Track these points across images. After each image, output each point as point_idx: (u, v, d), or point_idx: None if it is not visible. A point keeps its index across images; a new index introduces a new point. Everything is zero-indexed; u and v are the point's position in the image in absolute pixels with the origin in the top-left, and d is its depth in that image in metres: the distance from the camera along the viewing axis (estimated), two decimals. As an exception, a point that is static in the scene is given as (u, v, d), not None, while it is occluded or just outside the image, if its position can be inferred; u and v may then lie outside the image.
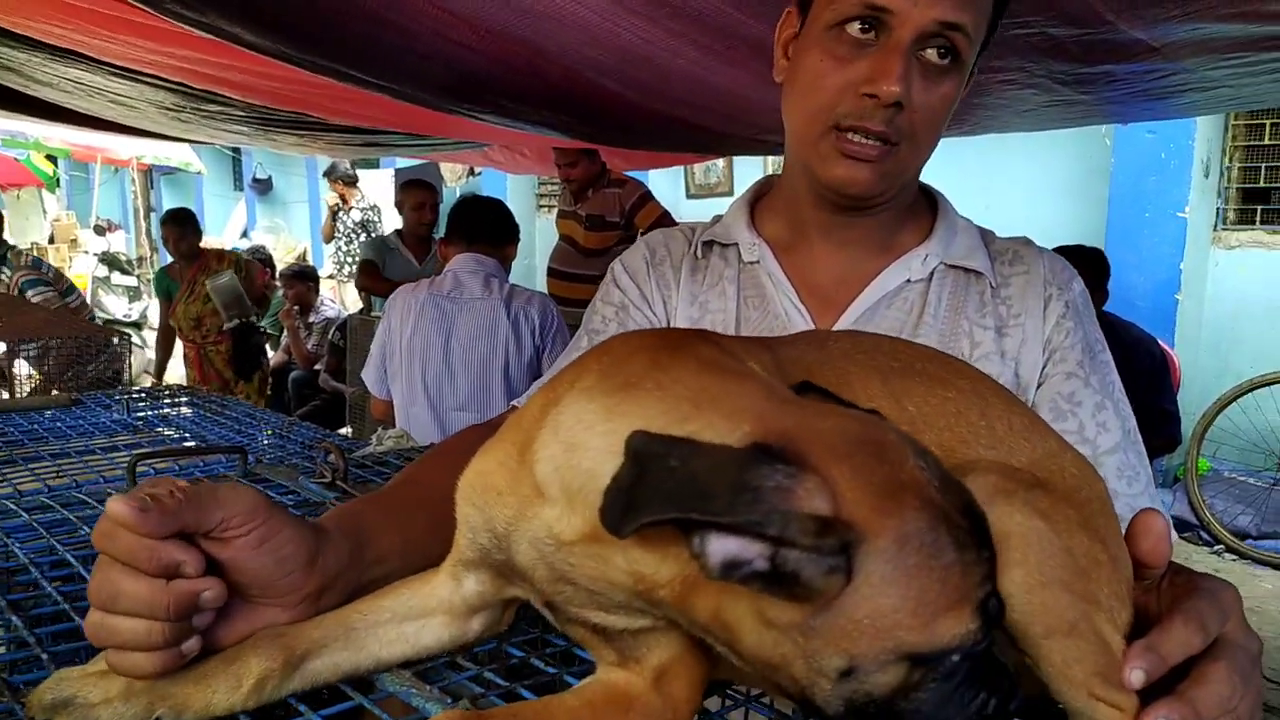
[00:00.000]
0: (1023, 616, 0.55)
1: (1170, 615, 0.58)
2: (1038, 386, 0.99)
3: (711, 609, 0.49)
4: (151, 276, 7.93)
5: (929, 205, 1.09)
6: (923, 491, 0.47)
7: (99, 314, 9.66)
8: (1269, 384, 4.56)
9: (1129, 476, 0.95)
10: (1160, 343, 3.61)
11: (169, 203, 15.95)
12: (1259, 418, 4.63)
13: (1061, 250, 3.49)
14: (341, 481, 1.10)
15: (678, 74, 2.32)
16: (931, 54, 0.88)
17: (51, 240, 13.96)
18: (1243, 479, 4.75)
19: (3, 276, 4.76)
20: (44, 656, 0.67)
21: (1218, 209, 5.16)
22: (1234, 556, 4.57)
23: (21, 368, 3.08)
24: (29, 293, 4.75)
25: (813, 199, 1.02)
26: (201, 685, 0.57)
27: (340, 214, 7.95)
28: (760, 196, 1.13)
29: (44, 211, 15.12)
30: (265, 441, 1.52)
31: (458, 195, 10.08)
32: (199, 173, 13.02)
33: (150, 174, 14.74)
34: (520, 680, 0.67)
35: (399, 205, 4.84)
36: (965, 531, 0.47)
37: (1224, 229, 5.16)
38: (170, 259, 5.41)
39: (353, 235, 7.79)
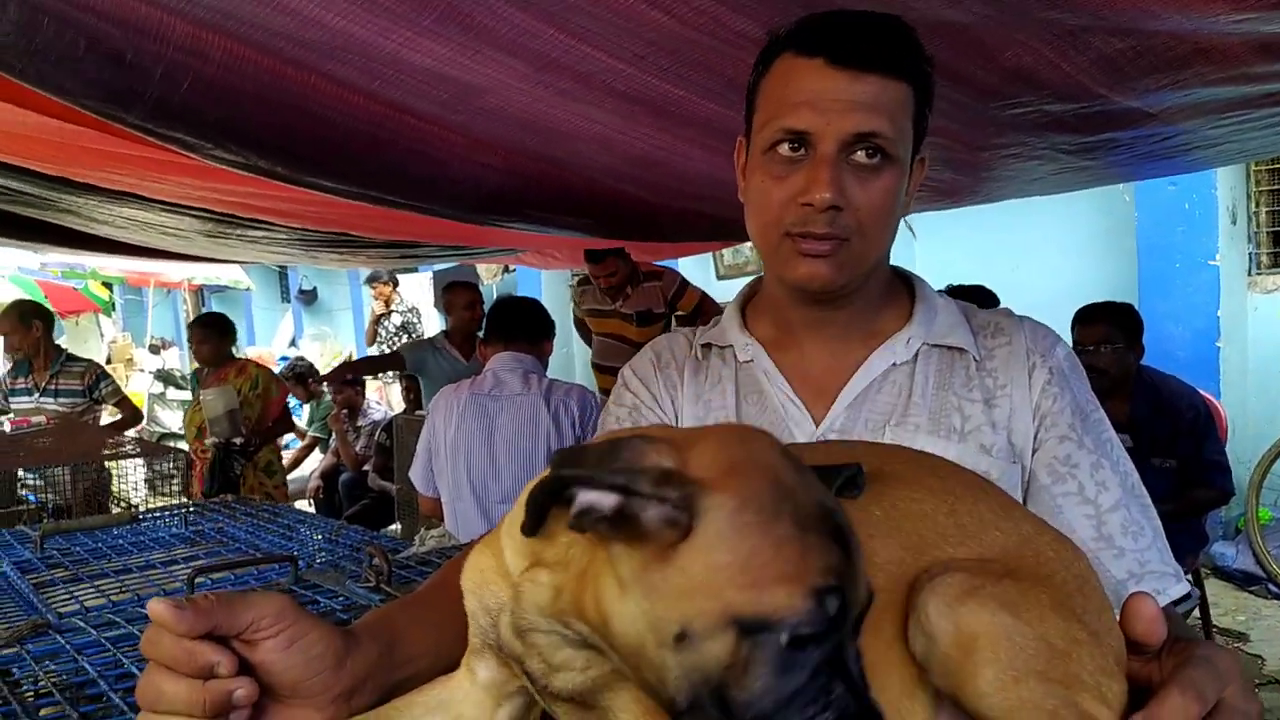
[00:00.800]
0: (1002, 715, 0.56)
1: (1167, 685, 0.59)
2: (1033, 453, 1.02)
3: (594, 599, 0.53)
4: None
5: (907, 290, 1.14)
6: (775, 473, 0.51)
7: (156, 428, 9.95)
8: (1322, 427, 4.45)
9: (1134, 532, 0.97)
10: (1203, 393, 3.57)
11: (219, 318, 16.47)
12: (1316, 462, 4.51)
13: (1091, 308, 3.49)
14: (386, 585, 1.15)
15: (691, 174, 2.43)
16: (860, 156, 0.96)
17: (109, 361, 14.48)
18: (1308, 526, 4.61)
19: (73, 367, 4.98)
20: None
21: (1250, 254, 5.13)
22: (1304, 607, 4.41)
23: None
24: (102, 383, 4.98)
25: (791, 298, 1.09)
26: None
27: (382, 319, 8.16)
28: (750, 299, 1.20)
29: (100, 334, 15.71)
30: (315, 547, 1.60)
31: (494, 292, 10.29)
32: (247, 289, 13.50)
33: (201, 292, 15.31)
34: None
35: (447, 307, 4.99)
36: (812, 517, 0.49)
37: (1258, 274, 5.12)
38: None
39: (394, 339, 7.97)
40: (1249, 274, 5.11)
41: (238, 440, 4.59)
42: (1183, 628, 0.98)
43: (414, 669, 0.74)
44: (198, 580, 1.19)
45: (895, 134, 0.96)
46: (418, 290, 10.36)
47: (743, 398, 1.11)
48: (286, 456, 7.92)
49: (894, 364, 1.07)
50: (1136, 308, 3.68)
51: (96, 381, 5.03)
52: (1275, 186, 5.09)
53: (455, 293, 4.90)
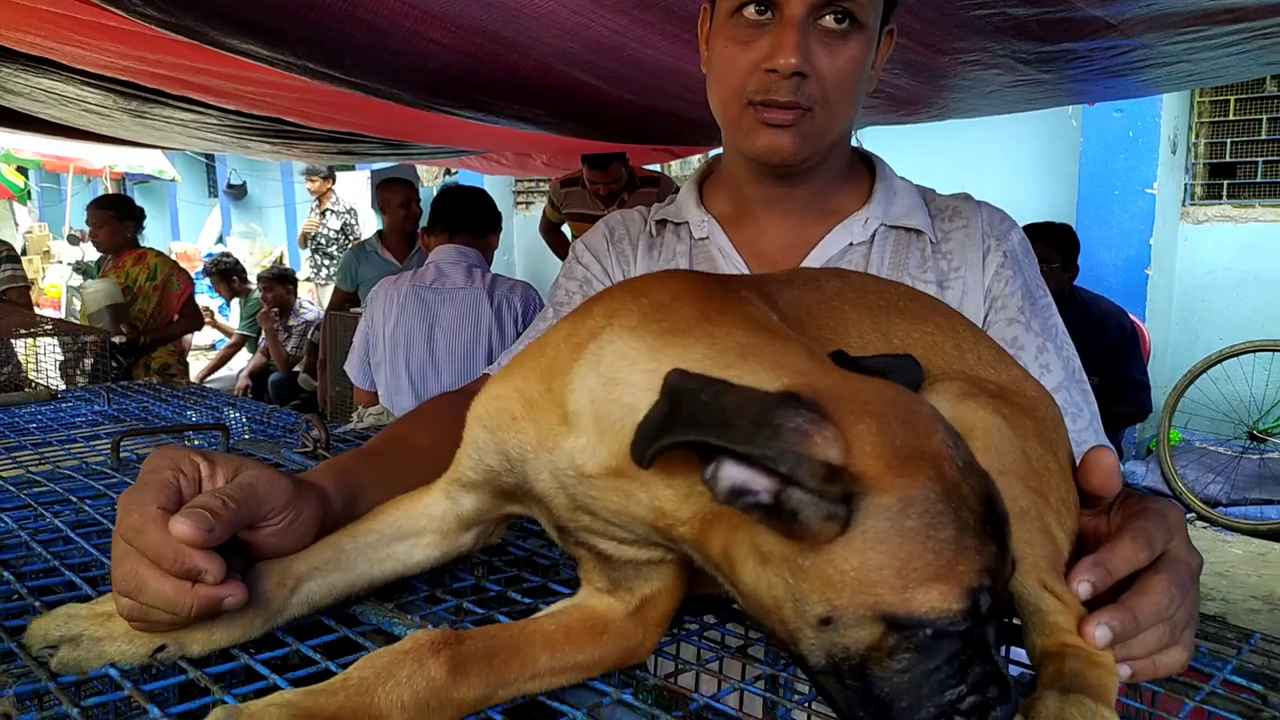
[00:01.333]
0: None
1: (1119, 533, 0.62)
2: None
3: (722, 546, 0.51)
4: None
5: (868, 170, 1.13)
6: (940, 465, 0.47)
7: (75, 320, 9.60)
8: (1237, 355, 4.65)
9: (1072, 413, 0.99)
10: (1130, 314, 3.69)
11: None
12: (1228, 388, 4.72)
13: (1031, 227, 3.55)
14: (324, 450, 1.14)
15: (648, 63, 2.35)
16: (828, 21, 0.93)
17: (24, 252, 13.83)
18: (1213, 448, 4.85)
19: None
20: (36, 605, 0.70)
21: (1185, 185, 5.25)
22: (1205, 524, 4.67)
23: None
24: (3, 265, 4.44)
25: (750, 174, 1.07)
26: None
27: (322, 221, 7.84)
28: (707, 176, 1.17)
29: (15, 224, 14.97)
30: (245, 427, 1.55)
31: (434, 194, 10.03)
32: (173, 180, 12.94)
33: (123, 182, 14.62)
34: (498, 609, 0.71)
35: (381, 205, 4.79)
36: (975, 515, 0.47)
37: (1192, 204, 5.25)
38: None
39: (334, 243, 7.64)
40: (1183, 204, 5.24)
41: (118, 339, 4.19)
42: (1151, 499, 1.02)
43: None
44: (123, 446, 1.14)
45: None
46: (354, 190, 10.05)
47: None
48: (213, 356, 7.75)
49: (850, 243, 1.07)
50: (1075, 230, 3.76)
51: None
52: (1216, 118, 5.19)
53: (391, 190, 4.71)
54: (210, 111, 3.71)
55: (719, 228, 1.11)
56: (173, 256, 12.45)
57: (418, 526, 0.68)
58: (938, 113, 3.04)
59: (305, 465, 1.14)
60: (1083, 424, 1.00)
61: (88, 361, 2.81)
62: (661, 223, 1.16)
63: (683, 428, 0.46)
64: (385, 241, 4.67)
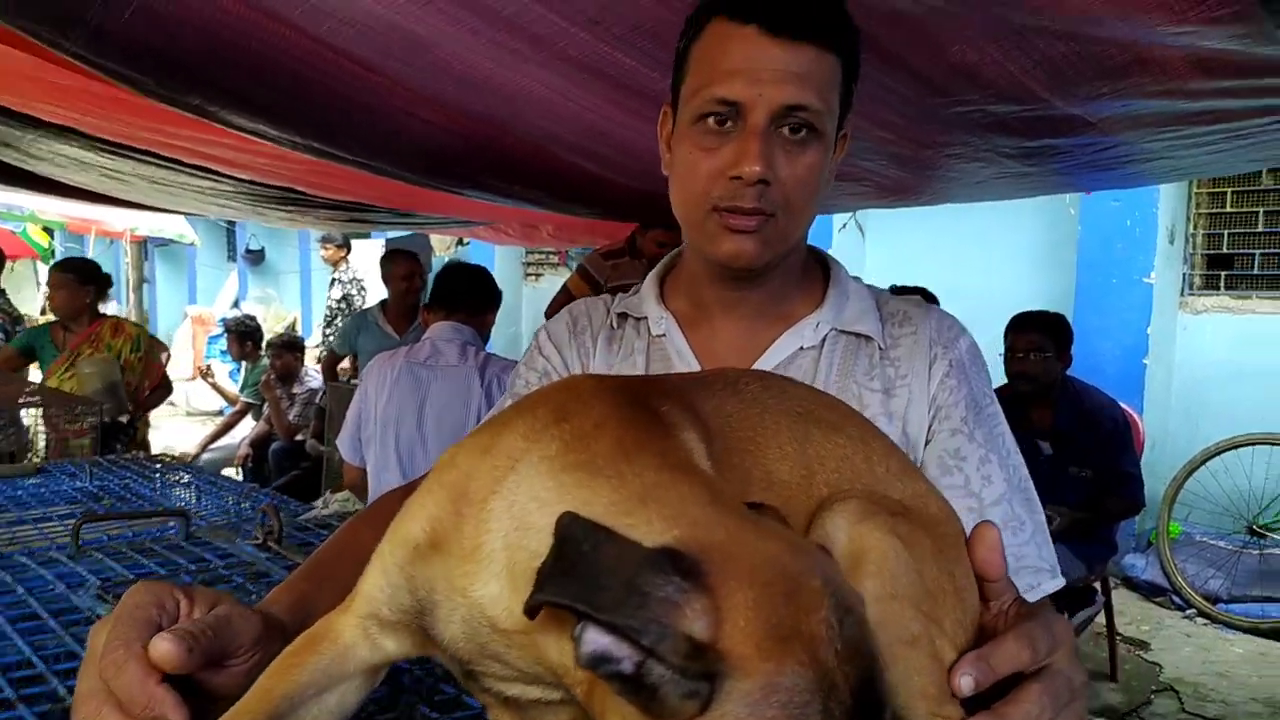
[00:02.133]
0: (872, 625, 0.57)
1: (1005, 633, 0.62)
2: (926, 444, 1.04)
3: (601, 710, 0.49)
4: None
5: (822, 272, 1.15)
6: (815, 649, 0.45)
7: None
8: (1236, 447, 4.62)
9: (1014, 527, 0.99)
10: (1122, 405, 3.68)
11: (162, 274, 16.08)
12: (1227, 481, 4.68)
13: (1024, 315, 3.58)
14: (275, 544, 1.15)
15: (642, 150, 2.43)
16: (788, 130, 0.96)
17: (44, 311, 14.04)
18: (1213, 542, 4.78)
19: None
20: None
21: (1183, 275, 5.30)
22: (1205, 620, 4.58)
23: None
24: None
25: (709, 275, 1.08)
26: None
27: (330, 287, 7.91)
28: (670, 270, 1.19)
29: (38, 284, 15.22)
30: (222, 507, 1.58)
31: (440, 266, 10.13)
32: (192, 244, 13.17)
33: (145, 245, 14.90)
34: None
35: (385, 278, 4.86)
36: (843, 709, 0.45)
37: (1190, 294, 5.28)
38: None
39: (337, 312, 7.62)
40: (1181, 294, 5.28)
41: (124, 417, 4.07)
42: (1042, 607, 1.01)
43: None
44: (84, 529, 1.16)
45: (825, 108, 0.96)
46: (371, 257, 10.21)
47: (652, 372, 1.11)
48: (217, 422, 7.75)
49: (801, 348, 1.08)
50: (1070, 319, 3.78)
51: None
52: (1214, 210, 5.26)
53: (394, 262, 4.77)
54: (225, 180, 3.82)
55: (676, 327, 1.12)
56: (188, 319, 12.57)
57: (345, 671, 0.63)
58: (929, 199, 3.11)
59: (257, 557, 1.15)
60: (1024, 538, 1.00)
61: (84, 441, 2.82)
62: (622, 315, 1.17)
63: (555, 586, 0.45)
64: (387, 313, 4.72)
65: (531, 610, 0.46)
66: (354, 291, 7.77)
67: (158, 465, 2.14)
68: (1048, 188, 2.93)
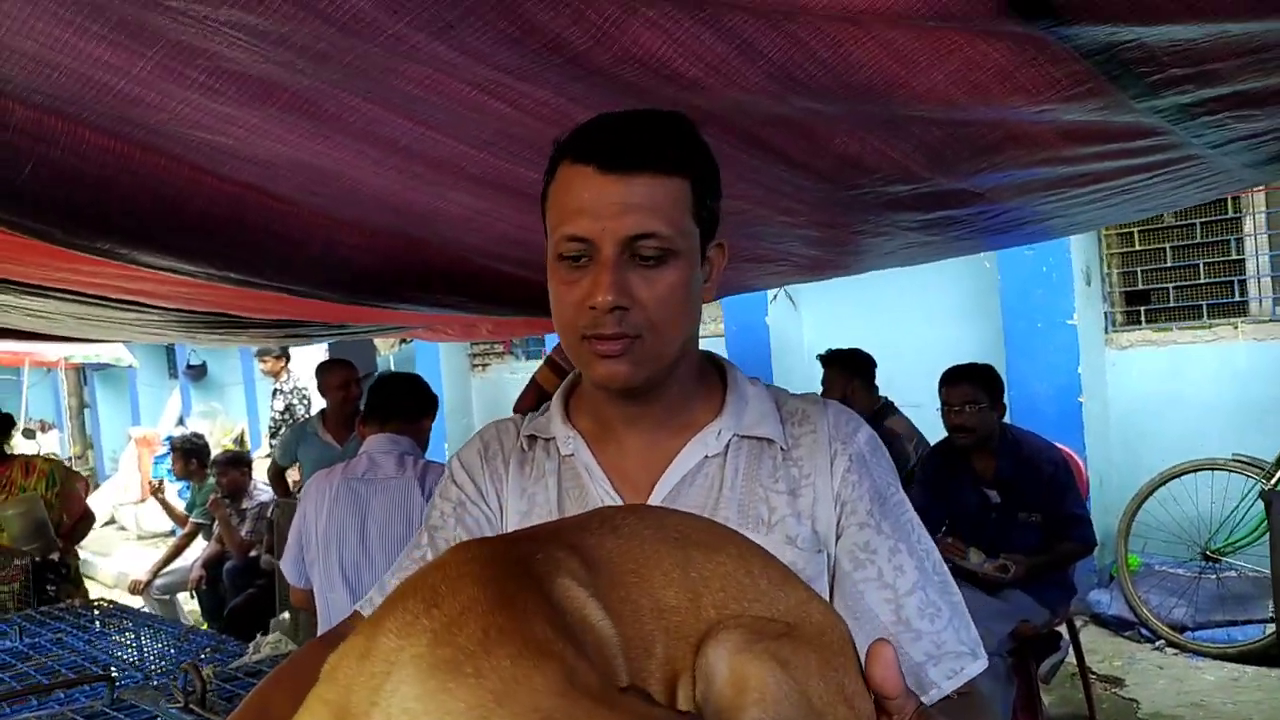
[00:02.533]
0: None
1: None
2: (837, 540, 1.06)
3: None
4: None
5: (720, 378, 1.17)
6: None
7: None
8: (1178, 475, 4.72)
9: (930, 614, 1.01)
10: (1060, 447, 3.76)
11: (103, 398, 15.75)
12: (1176, 510, 4.77)
13: (954, 370, 3.66)
14: (197, 706, 1.13)
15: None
16: (641, 256, 0.99)
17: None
18: (1173, 571, 4.85)
19: None
20: None
21: (1105, 313, 5.47)
22: (1175, 650, 4.61)
23: None
24: None
25: (604, 394, 1.11)
26: None
27: (273, 398, 7.84)
28: (573, 389, 1.21)
29: (-28, 419, 14.81)
30: (156, 654, 1.54)
31: (391, 363, 10.08)
32: (130, 366, 12.97)
33: (82, 371, 14.63)
34: None
35: (321, 388, 4.83)
36: None
37: (1114, 330, 5.46)
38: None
39: (280, 424, 7.57)
40: (1106, 331, 5.45)
41: (55, 555, 4.01)
42: (958, 710, 1.02)
43: None
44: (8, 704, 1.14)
45: (673, 230, 0.99)
46: (312, 363, 10.13)
47: (565, 492, 1.12)
48: (167, 545, 7.54)
49: (706, 456, 1.09)
50: (1002, 367, 3.88)
51: None
52: (1124, 249, 5.48)
53: (330, 372, 4.75)
54: (152, 310, 3.79)
55: (584, 444, 1.13)
56: (132, 440, 12.28)
57: None
58: (848, 270, 3.20)
59: (182, 718, 1.13)
60: (941, 624, 1.01)
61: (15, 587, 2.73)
62: (531, 438, 1.18)
63: None
64: (326, 423, 4.68)
65: None
66: (296, 401, 7.69)
67: (96, 611, 2.08)
68: (955, 252, 3.04)
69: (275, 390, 7.79)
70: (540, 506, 1.12)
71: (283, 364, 7.81)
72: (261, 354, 7.90)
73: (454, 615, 0.57)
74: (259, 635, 1.54)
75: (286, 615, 4.89)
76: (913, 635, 0.99)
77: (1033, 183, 2.12)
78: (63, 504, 4.38)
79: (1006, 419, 3.74)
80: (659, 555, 0.74)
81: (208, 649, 1.52)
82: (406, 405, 3.11)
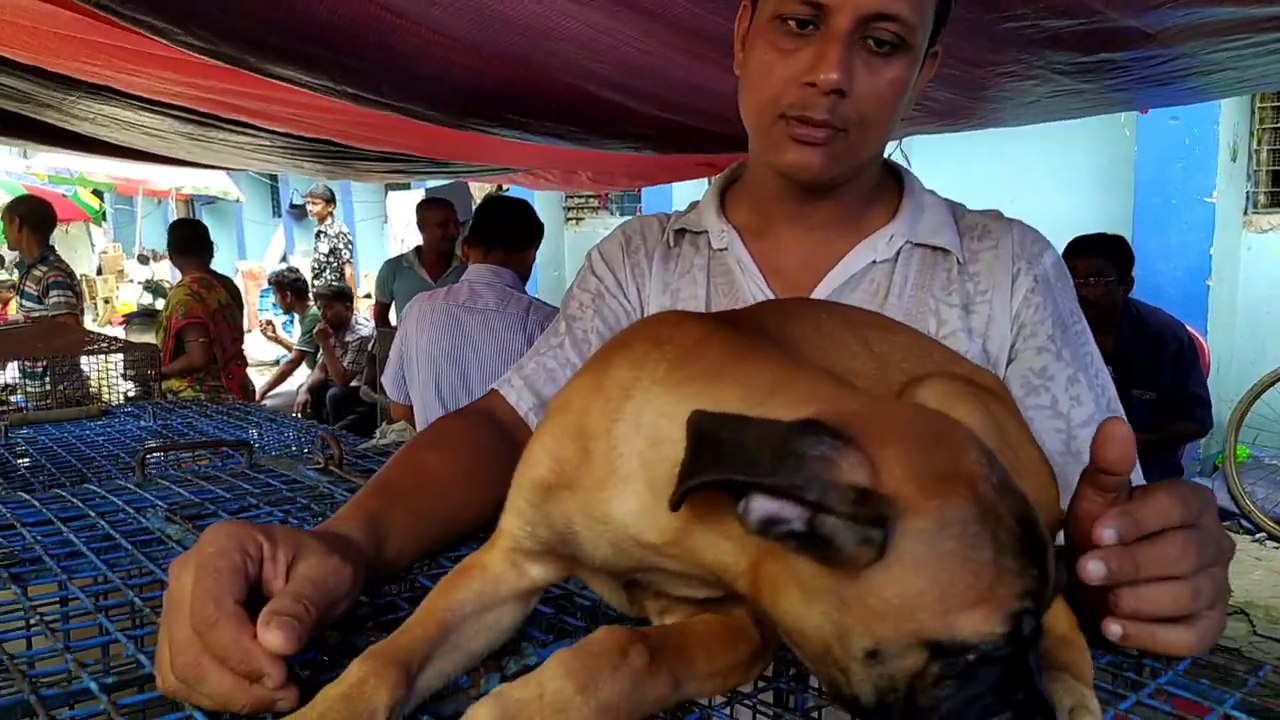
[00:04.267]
0: None
1: (1153, 488, 0.60)
2: (1008, 363, 1.00)
3: (772, 595, 0.51)
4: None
5: (896, 185, 1.09)
6: (975, 485, 0.47)
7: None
8: (1305, 368, 4.47)
9: None
10: (1187, 327, 3.57)
11: (211, 231, 16.33)
12: (1295, 404, 4.54)
13: (1084, 239, 3.47)
14: (336, 468, 1.17)
15: (679, 83, 2.36)
16: (874, 40, 0.89)
17: (99, 271, 14.38)
18: (1282, 465, 4.67)
19: (36, 272, 4.64)
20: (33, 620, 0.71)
21: (1247, 193, 5.08)
22: (1276, 544, 4.49)
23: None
24: (52, 292, 4.62)
25: (775, 186, 1.03)
26: None
27: (317, 240, 8.00)
28: (731, 183, 1.14)
29: (91, 245, 15.57)
30: (283, 441, 1.60)
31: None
32: (237, 200, 13.34)
33: (191, 203, 15.13)
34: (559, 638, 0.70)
35: (420, 224, 4.90)
36: (1012, 537, 0.46)
37: (1254, 213, 5.08)
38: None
39: (325, 263, 7.73)
40: (1245, 213, 5.07)
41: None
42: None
43: (398, 567, 0.78)
44: (151, 462, 1.18)
45: (916, 18, 0.90)
46: (409, 208, 10.24)
47: (714, 288, 1.08)
48: (273, 371, 7.96)
49: (874, 261, 1.03)
50: (1129, 241, 3.66)
51: (47, 290, 4.64)
52: (1278, 125, 5.02)
53: (429, 209, 4.82)
54: (262, 134, 3.83)
55: (739, 239, 1.08)
56: (239, 274, 12.80)
57: (500, 594, 0.65)
58: (979, 122, 2.99)
59: (319, 480, 1.17)
60: None
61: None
62: (680, 232, 1.13)
63: (705, 468, 0.46)
64: (422, 259, 4.77)
65: (678, 500, 0.47)
66: (341, 245, 7.86)
67: (219, 405, 2.19)
68: (1104, 106, 2.80)
69: (319, 233, 7.95)
70: (686, 301, 1.08)
71: (330, 208, 7.94)
72: (311, 196, 8.01)
73: (689, 346, 0.58)
74: (384, 424, 1.58)
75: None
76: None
77: (1212, 24, 1.91)
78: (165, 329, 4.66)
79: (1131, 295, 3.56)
80: (839, 333, 0.73)
81: (331, 433, 1.57)
82: (514, 230, 3.05)
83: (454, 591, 0.64)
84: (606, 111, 2.62)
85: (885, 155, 1.10)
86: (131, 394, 2.70)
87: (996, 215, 1.08)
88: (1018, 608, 0.46)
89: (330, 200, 7.95)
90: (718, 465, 0.46)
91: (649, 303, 1.11)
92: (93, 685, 0.62)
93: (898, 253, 1.03)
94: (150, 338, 4.41)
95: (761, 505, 0.46)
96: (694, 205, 1.16)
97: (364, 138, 3.88)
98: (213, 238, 5.32)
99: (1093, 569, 0.56)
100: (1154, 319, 3.45)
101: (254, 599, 0.62)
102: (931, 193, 1.10)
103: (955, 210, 1.08)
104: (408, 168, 5.05)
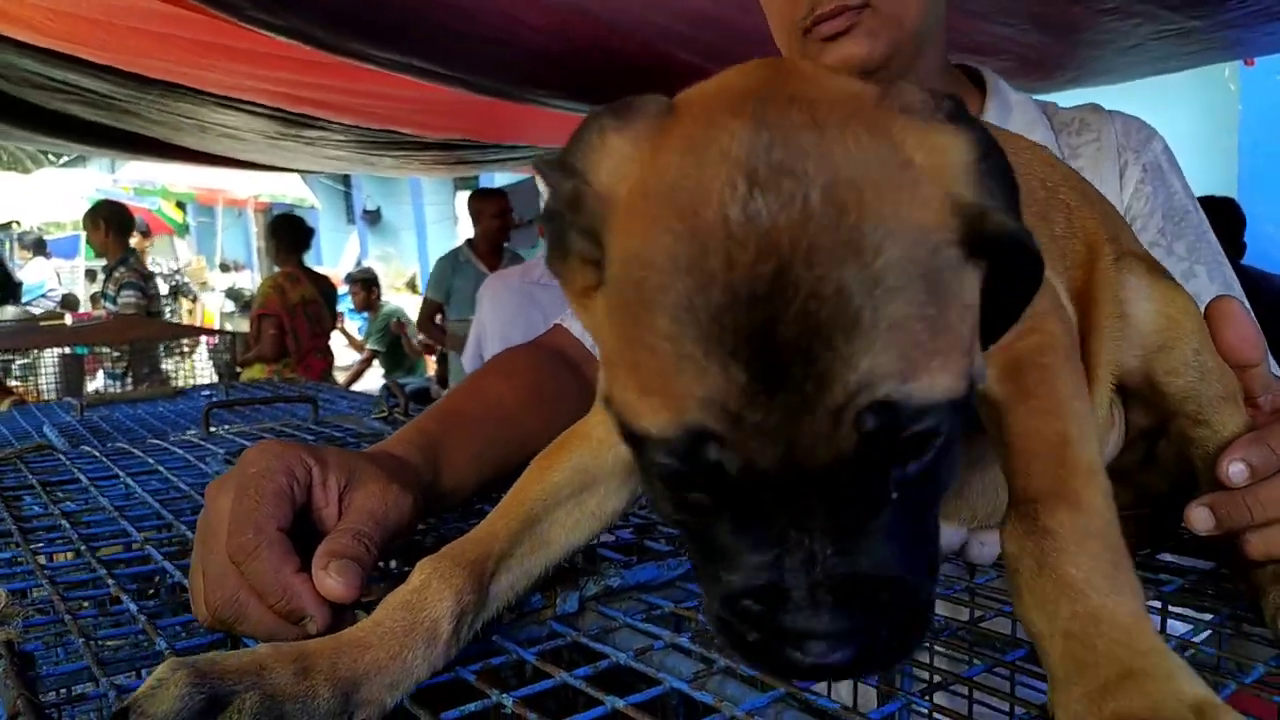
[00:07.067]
0: (1196, 379, 0.57)
1: None
2: None
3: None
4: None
5: (978, 89, 1.03)
6: (700, 218, 0.34)
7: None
8: None
9: None
10: (1304, 294, 3.32)
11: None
12: None
13: (1186, 202, 3.26)
14: (401, 415, 1.12)
15: (753, 33, 2.26)
16: None
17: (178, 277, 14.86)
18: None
19: (116, 274, 4.77)
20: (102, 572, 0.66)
21: (1364, 152, 4.74)
22: None
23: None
24: (124, 292, 4.71)
25: None
26: (390, 649, 0.46)
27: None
28: None
29: (176, 257, 16.11)
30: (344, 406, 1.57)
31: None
32: (313, 207, 13.64)
33: (269, 213, 15.53)
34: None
35: (475, 215, 4.92)
36: (717, 310, 0.33)
37: (1373, 174, 4.73)
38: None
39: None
40: (1361, 174, 4.73)
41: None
42: None
43: (457, 495, 0.73)
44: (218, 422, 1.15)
45: None
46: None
47: None
48: (344, 375, 8.10)
49: None
50: (1238, 205, 3.44)
51: (119, 289, 4.72)
52: (1398, 78, 4.67)
53: (484, 200, 4.85)
54: (333, 127, 3.87)
55: None
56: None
57: (603, 469, 0.55)
58: (1073, 76, 2.82)
59: (384, 429, 1.13)
60: None
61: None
62: None
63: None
64: (476, 250, 4.77)
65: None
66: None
67: (289, 384, 2.20)
68: (1212, 51, 2.60)
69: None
70: None
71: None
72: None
73: None
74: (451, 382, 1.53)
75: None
76: None
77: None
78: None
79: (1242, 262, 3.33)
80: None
81: (395, 382, 1.54)
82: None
83: (549, 472, 0.55)
84: (677, 72, 2.53)
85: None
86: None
87: (1094, 108, 1.02)
88: (693, 421, 0.32)
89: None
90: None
91: None
92: (131, 607, 0.56)
93: None
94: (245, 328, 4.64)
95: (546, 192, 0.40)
96: None
97: (430, 125, 3.90)
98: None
99: (1198, 519, 0.50)
100: (1270, 284, 3.22)
101: (301, 530, 0.55)
102: (1018, 91, 1.04)
103: (1047, 108, 1.03)
104: (474, 157, 5.08)
